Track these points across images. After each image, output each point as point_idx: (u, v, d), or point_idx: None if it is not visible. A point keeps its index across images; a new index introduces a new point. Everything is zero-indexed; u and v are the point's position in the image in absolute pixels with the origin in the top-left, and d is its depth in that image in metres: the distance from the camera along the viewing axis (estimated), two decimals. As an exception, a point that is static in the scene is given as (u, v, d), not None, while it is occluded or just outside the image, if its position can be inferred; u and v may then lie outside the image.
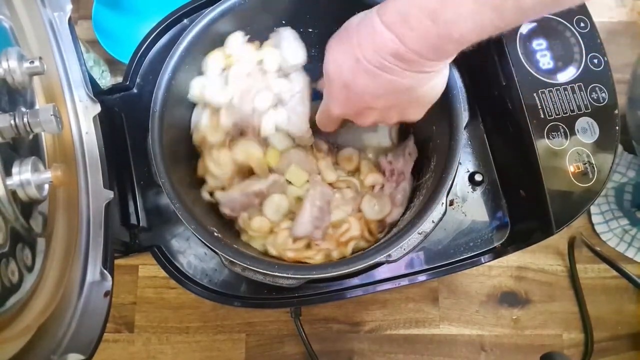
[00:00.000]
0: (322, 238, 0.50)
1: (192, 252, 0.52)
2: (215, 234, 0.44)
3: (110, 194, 0.44)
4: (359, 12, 0.47)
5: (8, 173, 0.32)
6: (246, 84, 0.49)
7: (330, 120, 0.48)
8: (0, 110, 0.34)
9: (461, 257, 0.52)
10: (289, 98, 0.51)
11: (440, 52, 0.35)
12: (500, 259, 0.53)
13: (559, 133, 0.46)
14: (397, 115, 0.43)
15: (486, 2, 0.30)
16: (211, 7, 0.47)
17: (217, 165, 0.50)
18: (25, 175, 0.33)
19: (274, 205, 0.51)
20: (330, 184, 0.53)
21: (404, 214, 0.52)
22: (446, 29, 0.32)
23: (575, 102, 0.46)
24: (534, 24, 0.48)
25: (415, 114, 0.44)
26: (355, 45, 0.37)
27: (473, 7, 0.31)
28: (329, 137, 0.55)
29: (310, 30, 0.53)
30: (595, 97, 0.46)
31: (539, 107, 0.46)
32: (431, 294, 0.71)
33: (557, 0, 0.31)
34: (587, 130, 0.46)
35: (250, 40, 0.51)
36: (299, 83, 0.51)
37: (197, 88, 0.50)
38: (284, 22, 0.51)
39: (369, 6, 0.46)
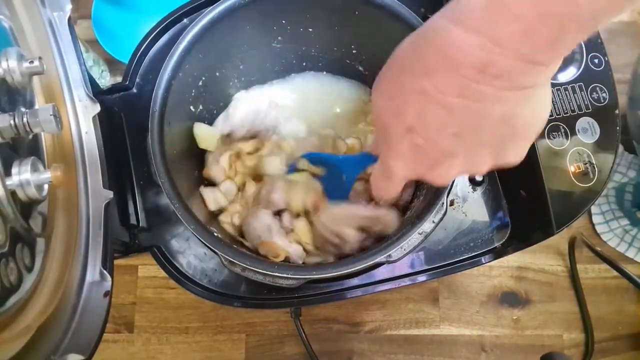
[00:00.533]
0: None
1: (192, 252, 0.52)
2: (215, 234, 0.43)
3: (109, 194, 0.44)
4: (358, 12, 0.48)
5: (8, 173, 0.32)
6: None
7: (393, 184, 0.35)
8: (0, 110, 0.34)
9: (461, 258, 0.52)
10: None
11: (554, 45, 0.24)
12: (501, 259, 0.53)
13: (559, 133, 0.46)
14: (490, 159, 0.31)
15: None
16: (211, 7, 0.47)
17: None
18: (24, 176, 0.33)
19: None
20: None
21: (408, 208, 0.51)
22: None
23: (576, 102, 0.46)
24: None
25: (516, 153, 0.31)
26: (419, 74, 0.27)
27: None
28: None
29: (310, 30, 0.53)
30: (595, 97, 0.46)
31: (540, 107, 0.46)
32: (431, 294, 0.71)
33: None
34: (588, 130, 0.46)
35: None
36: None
37: None
38: (284, 21, 0.51)
39: (370, 5, 0.45)
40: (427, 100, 0.27)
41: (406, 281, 0.51)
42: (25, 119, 0.32)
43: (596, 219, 0.73)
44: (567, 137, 0.46)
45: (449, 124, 0.28)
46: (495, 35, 0.24)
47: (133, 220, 0.53)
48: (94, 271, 0.41)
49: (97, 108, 0.46)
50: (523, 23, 0.23)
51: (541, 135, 0.46)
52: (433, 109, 0.27)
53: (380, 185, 0.36)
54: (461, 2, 0.25)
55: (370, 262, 0.41)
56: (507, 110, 0.27)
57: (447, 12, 0.26)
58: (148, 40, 0.54)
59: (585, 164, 0.46)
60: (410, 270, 0.51)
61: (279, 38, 0.54)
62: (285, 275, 0.42)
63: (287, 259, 0.48)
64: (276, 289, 0.50)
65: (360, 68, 0.57)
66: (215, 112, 0.56)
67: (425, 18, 0.47)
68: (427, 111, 0.28)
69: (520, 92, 0.26)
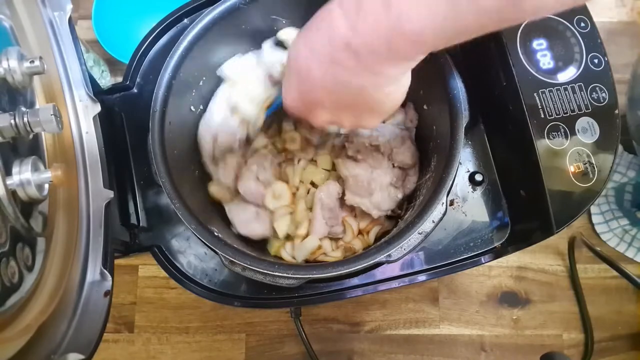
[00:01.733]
0: (344, 231, 0.51)
1: (192, 252, 0.52)
2: (216, 233, 0.44)
3: (110, 194, 0.44)
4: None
5: (8, 173, 0.32)
6: None
7: (290, 112, 0.43)
8: (1, 109, 0.34)
9: (461, 257, 0.52)
10: None
11: (394, 51, 0.31)
12: (500, 259, 0.53)
13: (559, 133, 0.46)
14: (350, 119, 0.40)
15: None
16: (211, 7, 0.47)
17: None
18: (25, 175, 0.33)
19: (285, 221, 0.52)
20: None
21: (406, 210, 0.52)
22: (397, 20, 0.29)
23: (576, 102, 0.46)
24: (534, 23, 0.48)
25: (370, 121, 0.40)
26: (312, 33, 0.35)
27: None
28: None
29: (310, 30, 0.53)
30: (595, 97, 0.46)
31: (539, 107, 0.46)
32: (431, 294, 0.71)
33: (519, 5, 0.27)
34: (588, 130, 0.46)
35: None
36: None
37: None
38: (284, 21, 0.51)
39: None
40: (312, 56, 0.35)
41: (406, 281, 0.51)
42: (25, 119, 0.32)
43: (596, 219, 0.73)
44: (566, 137, 0.46)
45: (322, 79, 0.35)
46: (356, 28, 0.31)
47: (133, 220, 0.53)
48: (94, 271, 0.41)
49: (98, 108, 0.46)
50: (371, 28, 0.30)
51: (541, 135, 0.46)
52: (315, 64, 0.35)
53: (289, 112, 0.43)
54: None
55: (370, 262, 0.41)
56: (364, 84, 0.34)
57: None
58: (148, 41, 0.54)
59: (585, 164, 0.46)
60: (410, 270, 0.51)
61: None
62: (285, 274, 0.42)
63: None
64: (276, 288, 0.50)
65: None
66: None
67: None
68: (311, 64, 0.35)
69: (375, 76, 0.33)
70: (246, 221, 0.51)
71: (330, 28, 0.32)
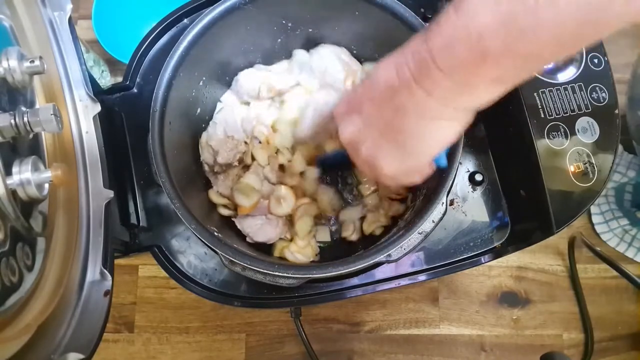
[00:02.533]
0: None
1: (192, 252, 0.52)
2: (216, 233, 0.44)
3: (110, 194, 0.44)
4: (359, 12, 0.48)
5: (8, 172, 0.32)
6: None
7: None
8: (1, 109, 0.34)
9: (461, 257, 0.52)
10: None
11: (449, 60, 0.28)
12: (500, 259, 0.53)
13: (559, 133, 0.46)
14: (373, 153, 0.37)
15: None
16: (211, 7, 0.47)
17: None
18: (25, 175, 0.33)
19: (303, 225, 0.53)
20: None
21: (404, 214, 0.52)
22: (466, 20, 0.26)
23: (576, 101, 0.46)
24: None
25: (392, 164, 0.37)
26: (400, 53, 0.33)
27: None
28: None
29: (310, 30, 0.53)
30: (595, 97, 0.46)
31: (539, 106, 0.46)
32: (431, 294, 0.71)
33: None
34: (588, 130, 0.46)
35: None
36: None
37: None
38: (284, 21, 0.51)
39: (370, 5, 0.46)
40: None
41: (406, 281, 0.51)
42: (25, 118, 0.32)
43: (596, 218, 0.73)
44: (566, 137, 0.46)
45: (371, 79, 0.35)
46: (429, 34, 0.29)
47: (133, 220, 0.53)
48: (94, 270, 0.41)
49: (98, 108, 0.46)
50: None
51: (541, 135, 0.46)
52: (380, 66, 0.34)
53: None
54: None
55: (370, 262, 0.41)
56: (409, 106, 0.33)
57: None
58: (148, 40, 0.54)
59: (585, 163, 0.46)
60: (410, 270, 0.51)
61: (279, 39, 0.54)
62: (285, 274, 0.42)
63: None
64: (276, 288, 0.50)
65: (360, 68, 0.57)
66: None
67: (425, 18, 0.47)
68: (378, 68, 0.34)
69: (428, 103, 0.32)
70: (259, 228, 0.52)
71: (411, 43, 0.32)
